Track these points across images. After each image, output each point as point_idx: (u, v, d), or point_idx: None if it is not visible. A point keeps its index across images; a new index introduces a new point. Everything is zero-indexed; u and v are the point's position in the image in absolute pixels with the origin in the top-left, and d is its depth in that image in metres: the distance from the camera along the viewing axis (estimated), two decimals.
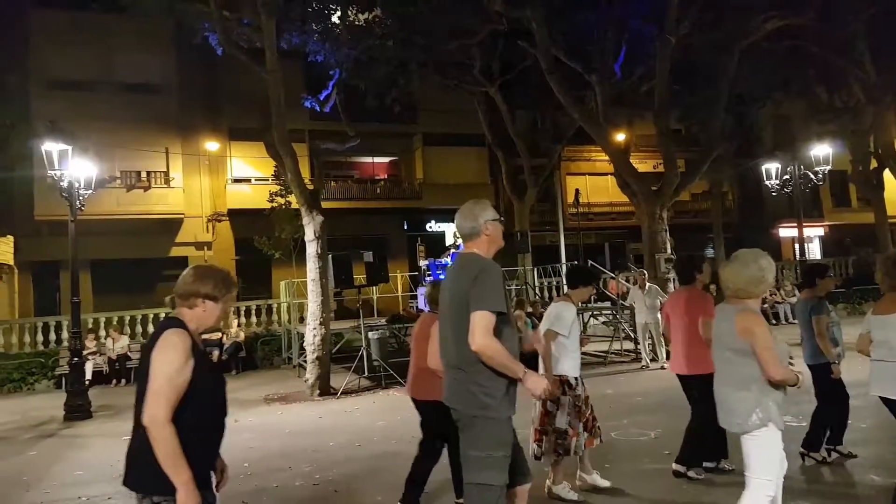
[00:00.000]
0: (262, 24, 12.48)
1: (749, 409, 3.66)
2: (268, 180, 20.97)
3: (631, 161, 17.27)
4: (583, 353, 5.86)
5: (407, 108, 21.26)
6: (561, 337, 5.46)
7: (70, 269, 12.49)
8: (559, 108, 18.59)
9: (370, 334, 13.59)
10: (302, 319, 15.50)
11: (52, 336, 16.91)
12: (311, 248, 12.79)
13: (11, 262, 20.76)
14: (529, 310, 13.91)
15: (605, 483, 5.75)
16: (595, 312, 16.58)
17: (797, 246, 22.87)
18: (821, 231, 32.94)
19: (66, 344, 15.69)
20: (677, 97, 18.10)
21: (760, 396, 3.65)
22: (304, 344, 13.13)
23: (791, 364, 3.81)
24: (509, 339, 3.44)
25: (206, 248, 23.99)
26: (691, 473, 5.79)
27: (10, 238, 20.40)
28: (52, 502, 6.66)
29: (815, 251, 32.45)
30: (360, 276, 14.01)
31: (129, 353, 15.88)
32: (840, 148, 23.17)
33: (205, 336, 3.96)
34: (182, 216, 23.49)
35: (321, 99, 16.46)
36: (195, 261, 22.69)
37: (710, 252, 28.61)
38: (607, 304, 16.89)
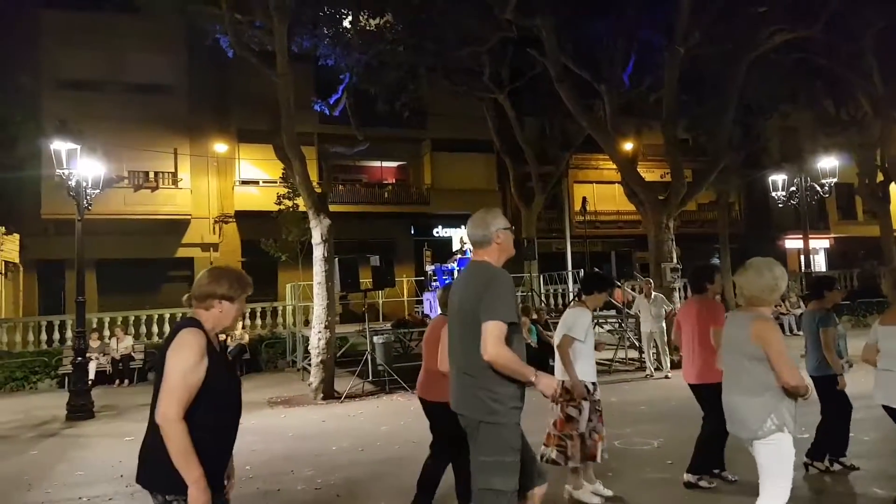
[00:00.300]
0: (274, 28, 12.52)
1: (763, 415, 3.68)
2: (275, 183, 21.03)
3: (638, 170, 17.25)
4: None
5: (416, 114, 21.34)
6: (577, 342, 5.49)
7: (76, 268, 12.49)
8: (567, 116, 18.55)
9: (375, 339, 13.57)
10: (307, 322, 15.51)
11: (56, 335, 16.93)
12: (318, 252, 12.78)
13: (17, 261, 20.83)
14: (534, 317, 13.90)
15: (608, 492, 5.74)
16: (600, 321, 16.54)
17: (803, 257, 22.79)
18: (826, 243, 32.90)
19: (69, 343, 15.65)
20: (685, 107, 18.07)
21: (775, 402, 3.68)
22: (309, 347, 13.13)
23: None
24: (518, 345, 3.47)
25: (212, 249, 24.05)
26: (703, 483, 5.80)
27: (16, 236, 20.47)
28: (54, 502, 6.65)
29: (820, 263, 32.39)
30: (366, 280, 14.00)
31: (132, 354, 15.91)
32: (847, 160, 23.18)
33: None
34: (189, 217, 23.58)
35: (331, 103, 16.54)
36: (201, 262, 22.77)
37: (716, 262, 28.54)
38: (612, 312, 16.85)
